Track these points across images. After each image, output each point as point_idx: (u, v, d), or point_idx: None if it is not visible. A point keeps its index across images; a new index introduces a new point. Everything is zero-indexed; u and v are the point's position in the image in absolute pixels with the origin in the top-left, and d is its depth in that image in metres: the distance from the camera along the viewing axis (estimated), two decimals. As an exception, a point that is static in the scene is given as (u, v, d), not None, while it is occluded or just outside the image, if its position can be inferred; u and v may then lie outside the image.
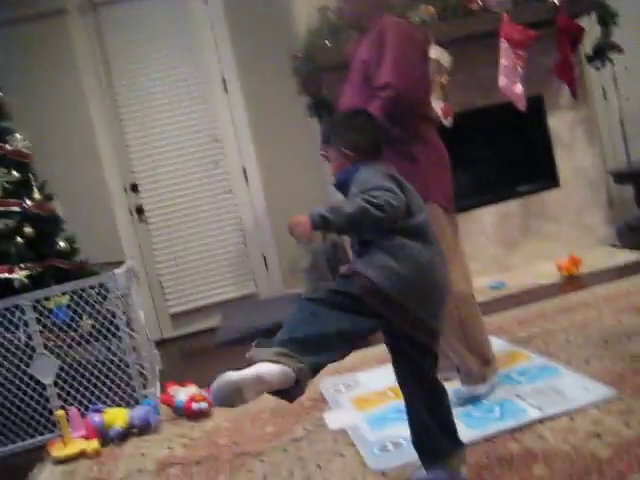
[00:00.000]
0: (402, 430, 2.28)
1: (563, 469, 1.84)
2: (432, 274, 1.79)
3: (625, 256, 4.25)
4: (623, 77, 5.26)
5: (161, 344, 4.61)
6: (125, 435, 2.86)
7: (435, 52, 3.88)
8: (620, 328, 2.92)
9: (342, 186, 1.93)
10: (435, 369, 1.88)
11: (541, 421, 2.17)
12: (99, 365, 3.22)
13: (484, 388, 2.47)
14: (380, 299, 1.70)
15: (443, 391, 1.88)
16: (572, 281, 3.99)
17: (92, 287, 3.25)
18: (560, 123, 4.55)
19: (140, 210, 4.87)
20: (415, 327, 1.77)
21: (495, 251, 4.47)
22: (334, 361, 1.71)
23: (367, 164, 1.88)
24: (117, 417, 2.89)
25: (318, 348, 1.66)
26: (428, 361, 1.86)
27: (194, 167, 4.88)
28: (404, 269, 1.72)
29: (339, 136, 1.98)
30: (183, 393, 3.01)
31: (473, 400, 2.44)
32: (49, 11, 4.71)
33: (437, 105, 3.91)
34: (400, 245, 1.75)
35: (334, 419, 2.56)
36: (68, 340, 3.24)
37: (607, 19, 4.40)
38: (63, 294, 3.23)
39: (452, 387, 2.01)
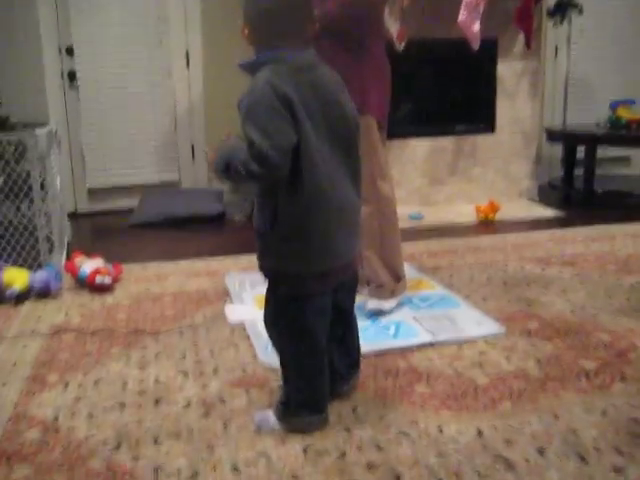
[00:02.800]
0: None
1: (442, 389, 1.94)
2: (338, 213, 1.65)
3: (541, 212, 4.41)
4: (577, 41, 5.33)
5: (74, 217, 4.51)
6: (23, 297, 2.82)
7: (402, -29, 3.82)
8: (521, 274, 3.05)
9: (246, 71, 1.67)
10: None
11: (432, 345, 2.27)
12: (6, 224, 3.13)
13: (391, 303, 2.56)
14: (317, 279, 1.66)
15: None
16: (487, 225, 4.13)
17: (10, 143, 3.13)
18: (508, 71, 4.58)
19: (72, 75, 4.65)
20: (350, 271, 1.77)
21: (421, 183, 4.54)
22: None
23: (279, 59, 1.59)
24: (17, 277, 2.84)
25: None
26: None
27: (136, 42, 4.67)
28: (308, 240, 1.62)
29: (245, 6, 1.65)
30: (88, 265, 2.98)
31: (379, 313, 2.53)
32: None
33: (393, 26, 3.86)
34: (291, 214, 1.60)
35: (234, 312, 2.60)
36: (-23, 193, 3.15)
37: (575, -24, 4.42)
38: (-22, 145, 3.10)
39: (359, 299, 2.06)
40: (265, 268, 1.71)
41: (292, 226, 1.60)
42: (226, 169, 1.58)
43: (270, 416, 1.76)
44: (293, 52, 1.61)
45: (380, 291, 2.55)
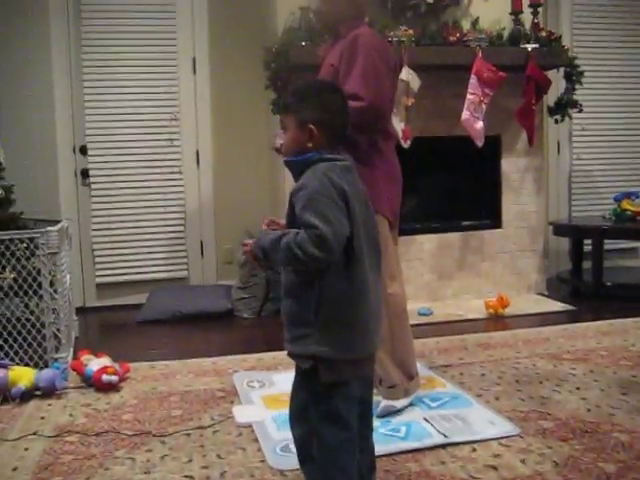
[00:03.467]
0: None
1: (456, 495, 1.88)
2: (373, 303, 1.69)
3: (550, 306, 4.38)
4: (579, 135, 5.46)
5: (82, 311, 4.51)
6: (28, 395, 2.78)
7: (406, 74, 3.97)
8: (533, 371, 3.00)
9: (292, 168, 1.77)
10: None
11: (444, 447, 2.21)
12: (14, 321, 3.13)
13: (404, 402, 2.52)
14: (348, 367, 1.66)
15: None
16: (497, 320, 4.09)
17: (22, 240, 3.16)
18: (512, 167, 4.66)
19: (85, 173, 4.75)
20: (370, 366, 1.77)
21: (429, 279, 4.54)
22: None
23: (329, 159, 1.67)
24: (22, 376, 2.81)
25: None
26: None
27: (148, 141, 4.79)
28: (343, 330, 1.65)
29: (307, 106, 1.70)
30: (95, 363, 2.96)
31: (391, 413, 2.48)
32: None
33: (398, 126, 3.98)
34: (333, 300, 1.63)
35: (242, 413, 2.55)
36: (-14, 290, 3.15)
37: (574, 77, 4.55)
38: (-10, 242, 3.13)
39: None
40: (303, 355, 1.66)
41: (337, 313, 1.63)
42: (265, 256, 1.65)
43: None
44: (335, 155, 1.69)
45: (393, 392, 2.51)
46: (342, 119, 1.73)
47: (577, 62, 4.56)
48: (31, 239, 3.15)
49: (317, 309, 1.62)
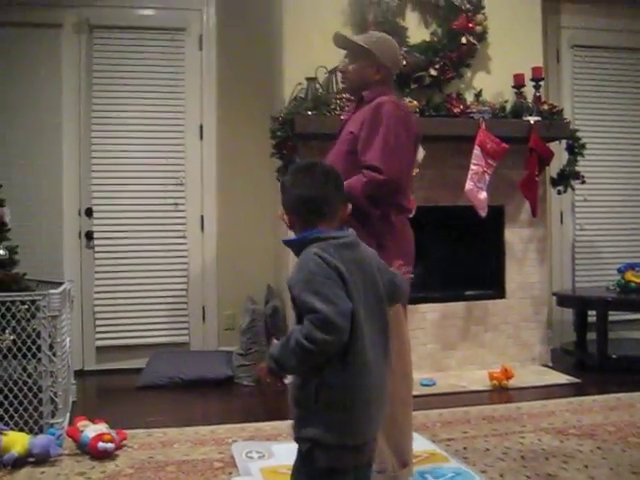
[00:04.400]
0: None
1: None
2: (376, 387, 1.66)
3: (555, 378, 4.32)
4: (581, 206, 5.49)
5: (81, 374, 4.45)
6: (21, 462, 2.72)
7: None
8: (539, 447, 2.94)
9: (291, 248, 1.77)
10: None
11: (447, 526, 2.14)
12: (11, 384, 3.08)
13: None
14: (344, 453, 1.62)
15: None
16: (500, 392, 4.02)
17: (23, 302, 3.15)
18: (515, 237, 4.67)
19: (90, 235, 4.77)
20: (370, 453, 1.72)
21: (432, 349, 4.49)
22: None
23: (325, 237, 1.67)
24: (16, 442, 2.75)
25: None
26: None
27: (153, 205, 4.83)
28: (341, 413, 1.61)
29: (283, 193, 1.77)
30: (92, 429, 2.90)
31: None
32: (45, 22, 4.71)
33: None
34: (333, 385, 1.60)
35: (240, 485, 2.49)
36: (-16, 351, 3.12)
37: (576, 149, 4.61)
38: (-9, 303, 3.12)
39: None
40: (303, 439, 1.64)
41: (337, 397, 1.59)
42: (280, 365, 1.61)
43: None
44: (335, 231, 1.70)
45: (381, 478, 2.35)
46: (324, 192, 1.72)
47: (579, 134, 4.62)
48: (32, 301, 3.14)
49: (316, 394, 1.60)
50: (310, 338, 1.52)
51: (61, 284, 3.46)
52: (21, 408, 3.05)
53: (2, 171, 3.84)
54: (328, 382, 1.59)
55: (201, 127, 4.95)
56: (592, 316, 4.76)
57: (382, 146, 2.36)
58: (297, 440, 1.66)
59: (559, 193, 4.74)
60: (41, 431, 2.98)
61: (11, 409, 3.04)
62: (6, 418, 3.02)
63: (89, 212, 4.77)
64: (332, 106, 4.06)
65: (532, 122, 4.37)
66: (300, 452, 1.66)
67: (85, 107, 4.76)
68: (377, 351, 1.67)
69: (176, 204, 4.89)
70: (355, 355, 1.59)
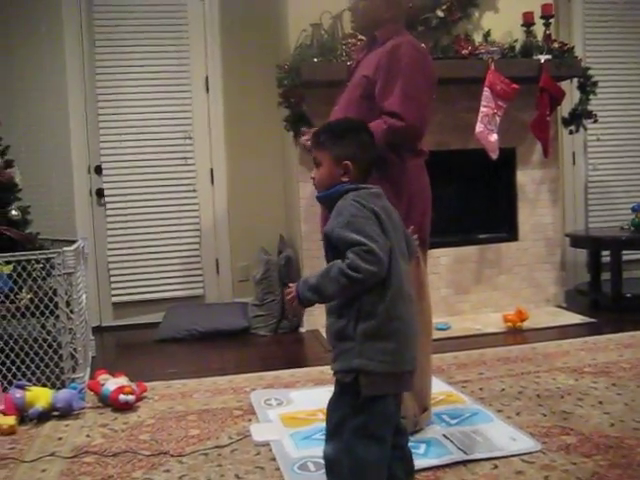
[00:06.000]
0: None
1: (479, 514, 1.84)
2: (411, 320, 1.76)
3: (569, 318, 4.33)
4: (594, 146, 5.42)
5: (99, 331, 4.51)
6: (45, 416, 2.78)
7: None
8: (554, 386, 2.96)
9: (325, 202, 1.88)
10: None
11: (464, 464, 2.17)
12: (31, 341, 3.13)
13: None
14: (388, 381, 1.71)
15: None
16: (515, 334, 4.04)
17: (38, 261, 3.17)
18: (527, 178, 4.63)
19: (100, 193, 4.78)
20: (409, 383, 1.80)
21: (446, 293, 4.51)
22: None
23: (357, 188, 1.78)
24: (40, 396, 2.80)
25: None
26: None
27: (162, 160, 4.81)
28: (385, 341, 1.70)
29: (341, 144, 1.83)
30: (112, 382, 2.94)
31: None
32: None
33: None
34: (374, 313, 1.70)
35: (260, 432, 2.52)
36: (3, 311, 3.16)
37: (588, 87, 4.53)
38: (7, 263, 3.15)
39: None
40: (345, 370, 1.71)
41: (377, 326, 1.68)
42: (317, 293, 1.69)
43: None
44: (363, 186, 1.80)
45: (403, 423, 2.37)
46: (372, 154, 1.86)
47: (590, 72, 4.53)
48: (47, 259, 3.16)
49: (356, 324, 1.69)
50: (355, 267, 1.62)
51: (74, 242, 3.48)
52: (42, 365, 3.10)
53: (9, 132, 3.82)
54: (368, 312, 1.68)
55: (207, 79, 4.90)
56: (606, 256, 4.74)
57: (402, 92, 2.31)
58: (339, 373, 1.74)
59: (571, 133, 4.68)
60: (63, 386, 3.03)
61: (33, 366, 3.10)
62: (28, 375, 3.07)
63: (98, 170, 4.77)
64: (338, 52, 4.01)
65: (542, 61, 4.29)
66: (341, 385, 1.74)
67: (89, 63, 4.71)
68: (409, 288, 1.78)
69: (185, 158, 4.88)
70: (392, 287, 1.70)
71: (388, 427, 1.73)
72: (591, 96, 4.54)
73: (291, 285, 1.76)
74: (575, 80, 4.62)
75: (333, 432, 1.75)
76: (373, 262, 1.63)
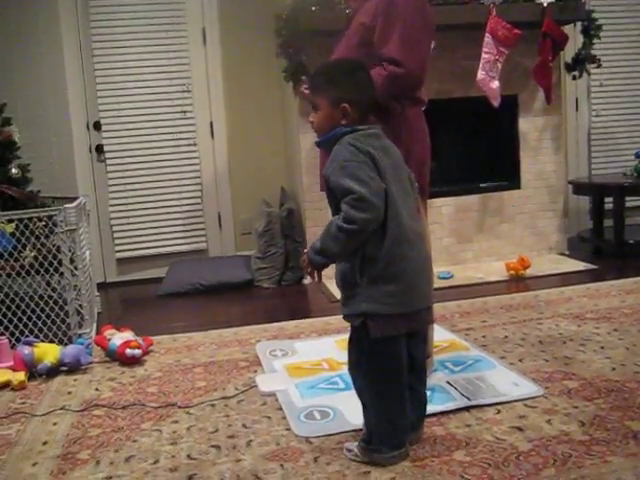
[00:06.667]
0: (331, 400, 2.32)
1: (483, 457, 1.87)
2: (418, 259, 1.80)
3: (572, 265, 4.34)
4: (597, 91, 5.35)
5: (103, 287, 4.55)
6: (54, 371, 2.81)
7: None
8: (557, 332, 2.98)
9: (324, 147, 1.90)
10: None
11: (468, 409, 2.20)
12: (36, 299, 3.15)
13: None
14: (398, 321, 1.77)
15: None
16: (518, 281, 4.06)
17: (40, 219, 3.17)
18: (530, 126, 4.59)
19: (100, 149, 4.75)
20: (428, 318, 1.90)
21: (448, 242, 4.51)
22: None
23: (353, 130, 1.78)
24: (48, 352, 2.84)
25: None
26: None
27: (161, 114, 4.77)
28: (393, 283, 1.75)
29: (337, 86, 1.81)
30: (118, 337, 2.97)
31: None
32: None
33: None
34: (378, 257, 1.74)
35: (265, 382, 2.56)
36: (8, 269, 3.18)
37: (592, 31, 4.45)
38: (9, 221, 3.15)
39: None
40: (355, 314, 1.78)
41: (380, 270, 1.73)
42: (325, 255, 1.74)
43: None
44: (361, 127, 1.80)
45: None
46: (371, 94, 1.86)
47: (594, 16, 4.45)
48: (49, 217, 3.16)
49: (361, 269, 1.74)
50: (349, 219, 1.66)
51: (76, 199, 3.47)
52: (49, 321, 3.13)
53: (5, 90, 3.79)
54: (370, 256, 1.73)
55: (204, 30, 4.82)
56: (609, 203, 4.73)
57: (400, 38, 2.28)
58: (348, 317, 1.81)
59: (574, 78, 4.63)
60: (70, 342, 3.07)
61: (39, 323, 3.12)
62: (36, 331, 3.10)
63: (97, 126, 4.73)
64: (337, 0, 3.93)
65: (545, 4, 4.21)
66: (353, 327, 1.81)
67: (83, 17, 4.63)
68: (415, 225, 1.80)
69: (184, 112, 4.83)
70: (393, 229, 1.73)
71: (401, 366, 1.80)
72: (595, 40, 4.47)
73: (305, 252, 1.80)
74: (579, 24, 4.54)
75: (354, 369, 1.85)
76: (366, 209, 1.66)
